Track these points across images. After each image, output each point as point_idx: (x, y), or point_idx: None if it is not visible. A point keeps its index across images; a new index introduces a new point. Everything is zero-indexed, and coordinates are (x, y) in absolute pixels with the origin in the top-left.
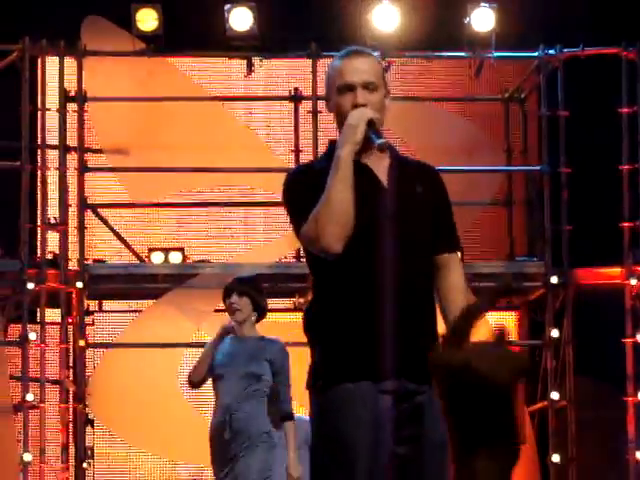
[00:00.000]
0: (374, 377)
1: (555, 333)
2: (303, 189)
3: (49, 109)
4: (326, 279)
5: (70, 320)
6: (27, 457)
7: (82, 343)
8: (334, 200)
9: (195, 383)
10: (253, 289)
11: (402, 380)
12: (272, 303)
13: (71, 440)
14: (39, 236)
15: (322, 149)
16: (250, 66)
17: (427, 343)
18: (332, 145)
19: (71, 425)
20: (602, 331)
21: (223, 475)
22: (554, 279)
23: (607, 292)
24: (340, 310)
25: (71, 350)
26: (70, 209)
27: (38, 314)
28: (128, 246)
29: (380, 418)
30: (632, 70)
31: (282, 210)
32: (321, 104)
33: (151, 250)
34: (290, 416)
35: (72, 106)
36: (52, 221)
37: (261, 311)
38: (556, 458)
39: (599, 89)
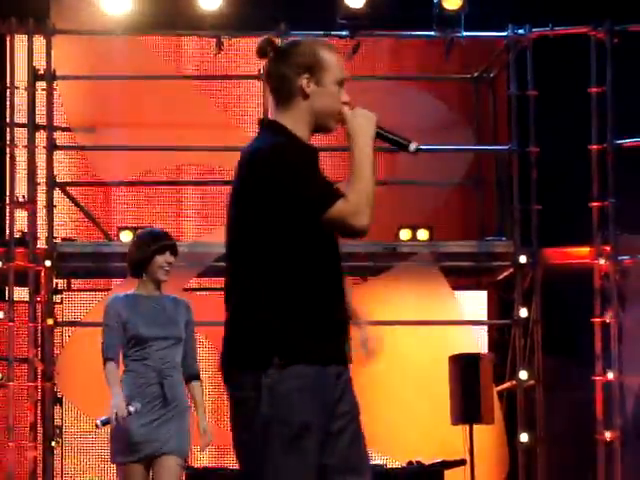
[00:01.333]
0: (331, 360)
1: (524, 313)
2: (317, 169)
3: (18, 87)
4: (293, 263)
5: (38, 298)
6: None
7: (50, 322)
8: (372, 185)
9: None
10: None
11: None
12: None
13: (39, 419)
14: (7, 214)
15: None
16: (219, 45)
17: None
18: (277, 125)
19: (39, 404)
20: (571, 311)
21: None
22: (523, 259)
23: (576, 272)
24: (307, 294)
25: (39, 328)
26: (39, 187)
27: (7, 292)
28: (97, 224)
29: (331, 400)
30: (601, 50)
31: None
32: None
33: (120, 229)
34: (199, 376)
35: (41, 84)
36: (21, 199)
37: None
38: (524, 438)
39: (568, 69)
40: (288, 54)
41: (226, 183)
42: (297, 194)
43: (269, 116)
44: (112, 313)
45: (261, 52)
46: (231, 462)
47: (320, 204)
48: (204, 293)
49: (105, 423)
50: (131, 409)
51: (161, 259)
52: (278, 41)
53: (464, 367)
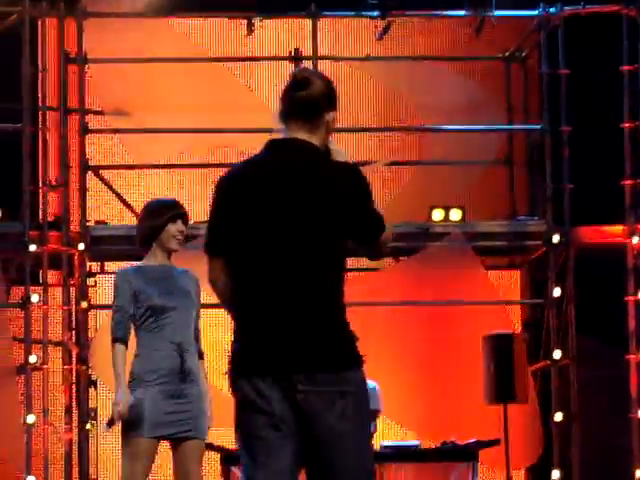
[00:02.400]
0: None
1: (557, 292)
2: None
3: (50, 71)
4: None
5: (72, 282)
6: (30, 419)
7: (84, 305)
8: None
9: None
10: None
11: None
12: None
13: (74, 402)
14: (40, 198)
15: None
16: (250, 26)
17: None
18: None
19: (74, 387)
20: (604, 289)
21: (172, 414)
22: (555, 238)
23: (609, 250)
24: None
25: (73, 312)
26: (71, 171)
27: (40, 276)
28: (129, 207)
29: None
30: (633, 28)
31: None
32: (321, 64)
33: None
34: (203, 355)
35: (73, 68)
36: (53, 183)
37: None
38: (559, 417)
39: (599, 47)
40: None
41: None
42: (372, 212)
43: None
44: (123, 286)
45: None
46: None
47: (383, 226)
48: None
49: (110, 425)
50: (131, 402)
51: (174, 228)
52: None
53: (498, 347)
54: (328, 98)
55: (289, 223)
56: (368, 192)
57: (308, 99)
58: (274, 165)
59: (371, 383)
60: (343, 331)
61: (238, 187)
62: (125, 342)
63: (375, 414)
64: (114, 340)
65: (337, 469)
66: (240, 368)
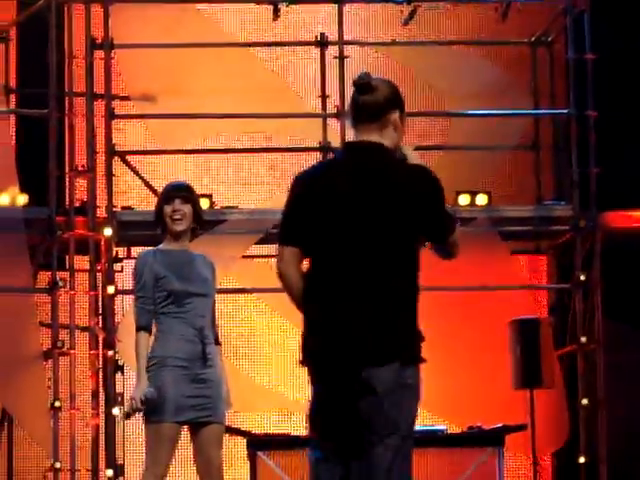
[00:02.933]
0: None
1: (583, 277)
2: None
3: (76, 57)
4: None
5: (99, 267)
6: (57, 404)
7: (111, 290)
8: None
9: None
10: (195, 196)
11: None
12: None
13: (101, 386)
14: (67, 183)
15: (349, 95)
16: (276, 11)
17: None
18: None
19: (101, 372)
20: (630, 274)
21: (192, 399)
22: (582, 223)
23: (635, 235)
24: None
25: (100, 297)
26: (98, 156)
27: (67, 261)
28: (156, 193)
29: None
30: None
31: (310, 156)
32: (347, 49)
33: None
34: (219, 340)
35: (99, 53)
36: (80, 169)
37: (200, 222)
38: (585, 402)
39: (626, 31)
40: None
41: (282, 150)
42: (445, 213)
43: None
44: (144, 270)
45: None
46: (293, 428)
47: (454, 226)
48: (263, 261)
49: (128, 417)
50: (146, 396)
51: (168, 208)
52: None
53: (524, 332)
54: (391, 99)
55: (365, 222)
56: (441, 193)
57: (372, 101)
58: (351, 165)
59: None
60: (410, 329)
61: (316, 185)
62: (149, 330)
63: None
64: (138, 328)
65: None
66: (314, 361)
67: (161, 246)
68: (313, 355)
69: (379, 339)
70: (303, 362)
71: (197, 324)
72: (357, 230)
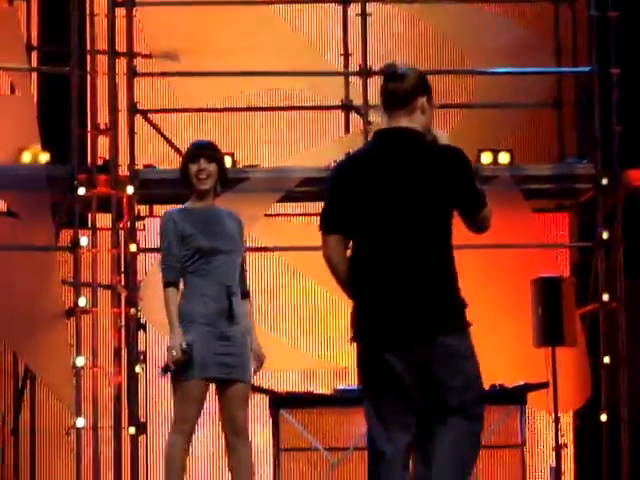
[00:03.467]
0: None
1: (606, 235)
2: None
3: (97, 14)
4: None
5: (121, 225)
6: (80, 362)
7: (133, 248)
8: None
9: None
10: (220, 154)
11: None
12: (318, 207)
13: (123, 345)
14: (89, 141)
15: (372, 52)
16: None
17: None
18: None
19: (123, 330)
20: None
21: (219, 356)
22: (604, 181)
23: None
24: None
25: (122, 255)
26: (120, 114)
27: (89, 219)
28: (178, 151)
29: None
30: None
31: (332, 114)
32: (370, 7)
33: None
34: (249, 295)
35: (121, 11)
36: (102, 127)
37: (225, 181)
38: (607, 360)
39: None
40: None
41: (304, 108)
42: (476, 189)
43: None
44: (170, 228)
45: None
46: (315, 387)
47: (485, 201)
48: (285, 219)
49: (166, 371)
50: (184, 346)
51: (194, 167)
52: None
53: (546, 290)
54: (418, 85)
55: (403, 202)
56: (471, 171)
57: (400, 88)
58: (385, 151)
59: None
60: (455, 299)
61: (353, 173)
62: (177, 285)
63: None
64: (166, 285)
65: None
66: (364, 339)
67: (187, 204)
68: (363, 332)
69: (427, 312)
70: (354, 339)
71: (224, 281)
72: (396, 210)
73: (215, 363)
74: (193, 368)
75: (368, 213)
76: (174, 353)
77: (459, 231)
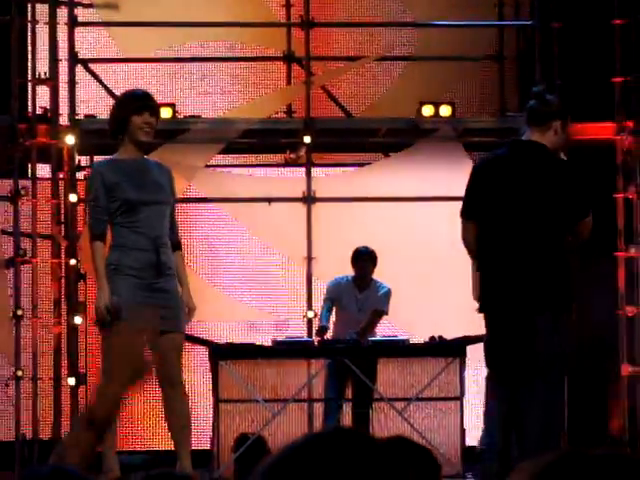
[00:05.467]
0: None
1: None
2: None
3: None
4: None
5: (61, 175)
6: (19, 312)
7: (73, 198)
8: None
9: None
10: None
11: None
12: (263, 159)
13: (63, 295)
14: (30, 91)
15: (313, 4)
16: None
17: None
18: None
19: (63, 280)
20: (592, 186)
21: (149, 307)
22: None
23: (598, 148)
24: None
25: (62, 205)
26: (60, 64)
27: (29, 169)
28: None
29: None
30: None
31: (274, 65)
32: None
33: None
34: (181, 246)
35: None
36: (42, 76)
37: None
38: None
39: None
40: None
41: (246, 59)
42: (584, 199)
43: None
44: (97, 179)
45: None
46: (255, 338)
47: (588, 212)
48: (227, 170)
49: (103, 325)
50: (111, 304)
51: (139, 119)
52: None
53: None
54: (556, 111)
55: (529, 201)
56: (584, 185)
57: (541, 110)
58: (517, 157)
59: (386, 286)
60: (564, 285)
61: (490, 171)
62: (104, 239)
63: (382, 314)
64: (93, 237)
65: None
66: (492, 308)
67: (115, 155)
68: (490, 303)
69: (540, 292)
70: (481, 309)
71: (152, 233)
72: (522, 207)
73: (144, 314)
74: (122, 320)
75: (499, 206)
76: (102, 310)
77: (403, 184)
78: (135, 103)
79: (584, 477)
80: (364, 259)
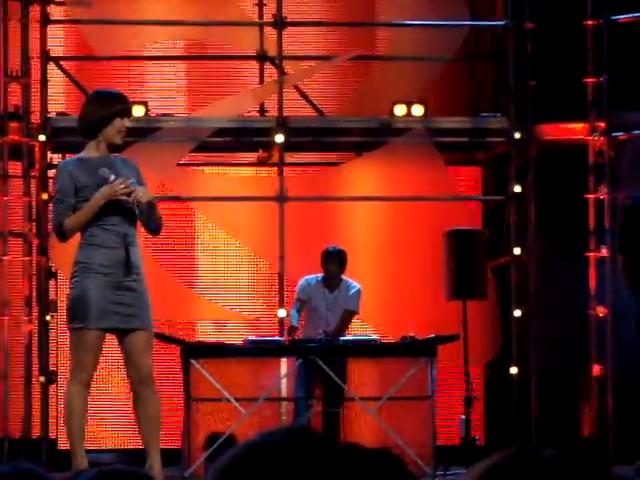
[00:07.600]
0: None
1: (518, 189)
2: None
3: None
4: None
5: (33, 173)
6: None
7: (45, 196)
8: None
9: (67, 238)
10: None
11: None
12: (235, 157)
13: (34, 293)
14: (1, 89)
15: (286, 3)
16: None
17: None
18: None
19: (34, 278)
20: (564, 187)
21: (117, 305)
22: (517, 135)
23: (570, 148)
24: None
25: (34, 203)
26: (32, 62)
27: (0, 167)
28: None
29: None
30: None
31: (246, 64)
32: None
33: None
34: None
35: None
36: (14, 74)
37: None
38: (518, 313)
39: None
40: None
41: (219, 58)
42: None
43: None
44: (65, 178)
45: None
46: (227, 337)
47: None
48: (198, 169)
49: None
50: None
51: (121, 123)
52: None
53: (460, 243)
54: None
55: None
56: None
57: None
58: None
59: (356, 285)
60: None
61: None
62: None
63: (353, 314)
64: (59, 224)
65: None
66: None
67: (83, 154)
68: None
69: None
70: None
71: (120, 230)
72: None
73: (112, 312)
74: (89, 318)
75: None
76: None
77: (373, 184)
78: (121, 106)
79: (531, 477)
80: (332, 259)
